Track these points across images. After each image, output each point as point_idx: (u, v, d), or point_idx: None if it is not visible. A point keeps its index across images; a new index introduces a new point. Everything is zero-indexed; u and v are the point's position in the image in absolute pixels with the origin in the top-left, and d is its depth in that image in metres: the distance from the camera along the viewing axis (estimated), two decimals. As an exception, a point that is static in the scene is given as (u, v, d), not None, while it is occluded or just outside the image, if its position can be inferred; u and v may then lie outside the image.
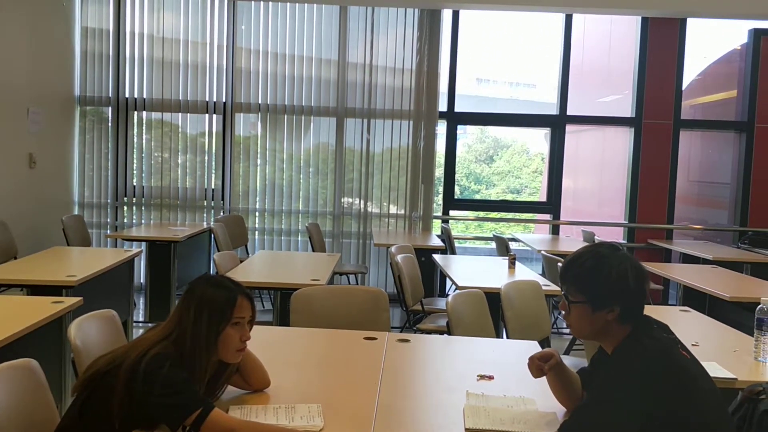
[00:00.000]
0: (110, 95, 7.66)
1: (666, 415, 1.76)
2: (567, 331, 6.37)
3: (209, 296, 2.05)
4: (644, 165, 7.91)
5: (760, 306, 2.86)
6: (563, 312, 2.03)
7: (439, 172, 7.95)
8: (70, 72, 7.55)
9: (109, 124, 7.71)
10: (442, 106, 7.78)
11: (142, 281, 7.04)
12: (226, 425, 1.88)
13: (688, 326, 3.58)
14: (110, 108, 7.69)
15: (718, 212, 8.43)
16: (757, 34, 7.95)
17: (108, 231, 7.69)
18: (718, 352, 3.02)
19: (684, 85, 7.98)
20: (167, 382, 1.87)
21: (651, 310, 2.01)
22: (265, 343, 2.97)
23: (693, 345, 3.04)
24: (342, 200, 7.78)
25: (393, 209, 7.78)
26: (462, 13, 7.83)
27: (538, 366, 2.15)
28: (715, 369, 2.67)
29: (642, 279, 1.96)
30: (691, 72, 8.15)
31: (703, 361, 1.97)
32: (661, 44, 7.86)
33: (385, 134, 7.71)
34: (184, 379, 1.90)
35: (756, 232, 7.58)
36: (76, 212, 7.55)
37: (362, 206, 7.74)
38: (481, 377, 2.52)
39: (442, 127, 7.89)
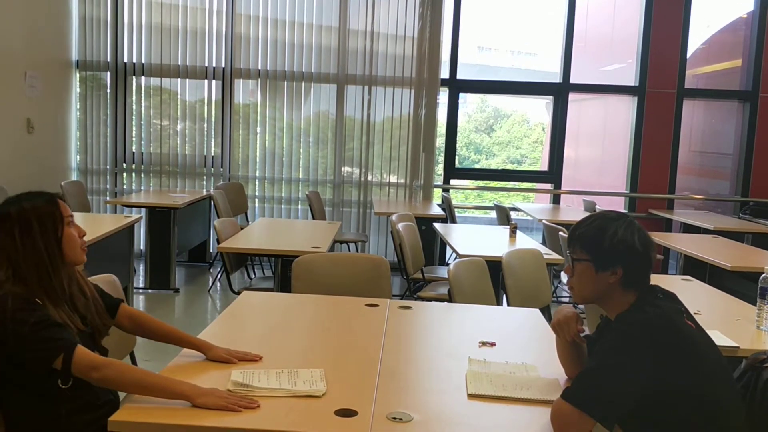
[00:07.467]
0: (108, 60, 7.58)
1: (669, 384, 1.75)
2: (566, 300, 6.38)
3: (28, 208, 1.91)
4: (647, 134, 7.86)
5: (763, 275, 2.85)
6: (567, 275, 2.01)
7: (440, 141, 7.90)
8: (67, 36, 7.46)
9: (108, 90, 7.64)
10: (444, 74, 7.71)
11: (142, 248, 7.04)
12: (90, 362, 1.82)
13: (690, 295, 3.57)
14: (108, 73, 7.61)
15: (719, 183, 8.40)
16: (764, 2, 7.84)
17: (107, 197, 7.67)
18: (721, 321, 3.02)
19: (688, 54, 7.90)
20: (17, 336, 1.79)
21: (653, 279, 1.99)
22: (266, 309, 2.98)
23: (696, 313, 3.00)
24: (342, 169, 7.74)
25: (393, 178, 7.74)
26: (465, -21, 7.72)
27: (571, 330, 2.09)
28: (717, 337, 2.67)
29: (647, 245, 1.94)
30: (695, 41, 8.06)
31: (705, 330, 1.96)
32: (666, 12, 7.76)
33: (386, 103, 7.64)
34: (34, 322, 1.80)
35: (757, 202, 7.56)
36: (75, 178, 7.51)
37: (362, 175, 7.70)
38: (483, 344, 2.51)
39: (443, 96, 7.82)
